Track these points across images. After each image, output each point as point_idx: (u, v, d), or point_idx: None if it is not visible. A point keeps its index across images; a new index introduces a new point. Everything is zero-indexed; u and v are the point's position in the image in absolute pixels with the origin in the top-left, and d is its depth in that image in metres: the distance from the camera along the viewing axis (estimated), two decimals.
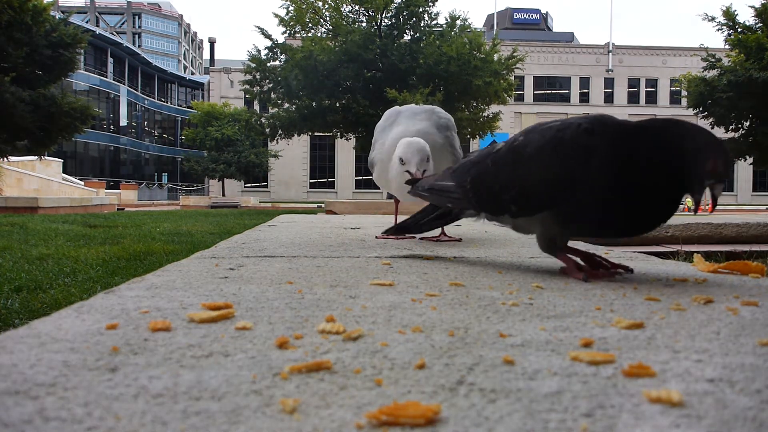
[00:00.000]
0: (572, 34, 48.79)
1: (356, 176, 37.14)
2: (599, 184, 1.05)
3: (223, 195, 30.39)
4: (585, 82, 37.44)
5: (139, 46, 53.66)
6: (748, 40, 13.74)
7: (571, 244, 1.27)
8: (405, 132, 1.88)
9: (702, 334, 0.68)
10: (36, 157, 17.13)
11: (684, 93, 15.55)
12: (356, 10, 15.42)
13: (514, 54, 15.25)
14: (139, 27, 58.67)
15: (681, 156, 1.02)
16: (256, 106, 22.64)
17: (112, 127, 38.43)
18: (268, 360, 0.57)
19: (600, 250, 1.69)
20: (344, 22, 15.02)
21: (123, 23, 57.73)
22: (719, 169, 0.99)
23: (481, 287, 1.02)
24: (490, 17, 45.68)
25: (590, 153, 1.06)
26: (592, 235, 1.22)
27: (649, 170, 1.03)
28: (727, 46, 14.91)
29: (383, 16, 15.26)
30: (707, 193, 1.02)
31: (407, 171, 1.71)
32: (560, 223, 1.17)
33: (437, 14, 15.74)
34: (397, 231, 1.74)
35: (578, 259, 1.23)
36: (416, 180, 1.58)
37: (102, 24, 54.48)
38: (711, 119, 15.01)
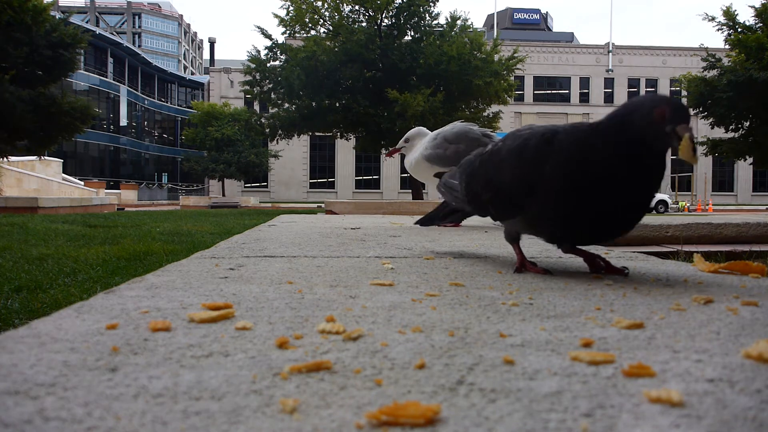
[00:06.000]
0: (572, 34, 48.78)
1: (356, 176, 37.14)
2: (559, 188, 1.07)
3: (223, 195, 30.40)
4: (585, 82, 37.43)
5: (139, 46, 53.65)
6: (748, 40, 13.74)
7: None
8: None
9: (702, 334, 0.68)
10: (36, 157, 17.13)
11: (684, 93, 15.54)
12: (356, 10, 15.40)
13: (515, 55, 15.23)
14: (139, 27, 58.65)
15: (635, 130, 1.01)
16: (256, 106, 22.62)
17: (112, 127, 38.39)
18: (268, 360, 0.57)
19: (600, 251, 1.69)
20: (345, 23, 14.99)
21: (123, 23, 57.72)
22: (666, 112, 0.98)
23: (481, 287, 1.02)
24: (490, 17, 45.68)
25: (546, 159, 1.09)
26: (564, 240, 1.24)
27: (611, 166, 1.03)
28: (727, 46, 14.91)
29: (383, 15, 15.24)
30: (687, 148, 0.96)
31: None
32: (530, 227, 1.21)
33: (438, 14, 15.71)
34: (424, 222, 1.80)
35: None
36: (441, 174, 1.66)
37: (102, 24, 54.48)
38: (711, 119, 15.01)
